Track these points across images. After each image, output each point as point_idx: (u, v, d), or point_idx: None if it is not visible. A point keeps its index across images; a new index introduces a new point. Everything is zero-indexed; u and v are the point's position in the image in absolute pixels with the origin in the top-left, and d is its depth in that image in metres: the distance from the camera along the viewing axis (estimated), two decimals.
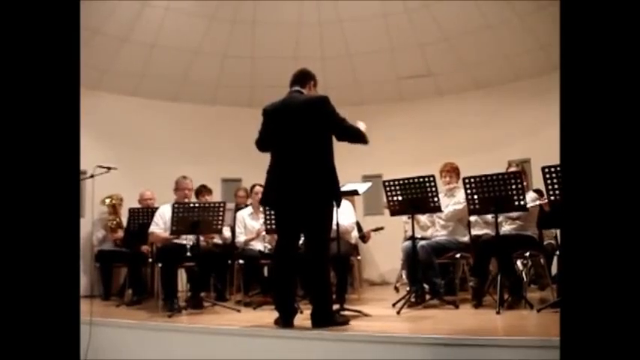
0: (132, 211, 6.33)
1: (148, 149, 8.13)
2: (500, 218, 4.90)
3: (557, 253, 4.76)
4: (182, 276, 5.76)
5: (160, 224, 5.42)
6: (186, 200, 5.47)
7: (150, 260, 6.12)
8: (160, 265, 5.25)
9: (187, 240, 5.44)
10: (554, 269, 5.58)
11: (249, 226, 6.08)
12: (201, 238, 5.36)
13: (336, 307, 4.24)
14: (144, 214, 6.17)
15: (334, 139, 4.03)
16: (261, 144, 4.19)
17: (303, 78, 4.22)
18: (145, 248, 6.26)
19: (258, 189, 5.92)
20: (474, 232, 5.58)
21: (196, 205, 5.25)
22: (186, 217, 5.04)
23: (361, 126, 4.13)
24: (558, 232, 6.10)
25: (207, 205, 5.29)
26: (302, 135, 3.92)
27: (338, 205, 4.15)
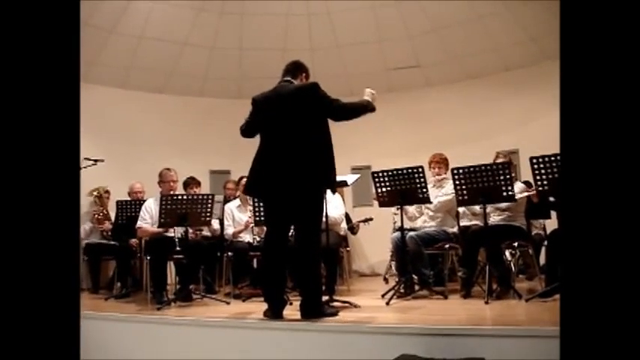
0: (120, 203, 6.29)
1: (136, 141, 8.09)
2: (489, 209, 4.92)
3: (545, 243, 4.78)
4: (171, 269, 5.74)
5: (147, 218, 5.39)
6: (172, 192, 5.43)
7: (138, 253, 6.09)
8: (148, 257, 5.23)
9: (176, 232, 5.42)
10: (542, 259, 5.62)
11: (238, 218, 6.06)
12: (190, 231, 5.33)
13: (325, 298, 4.25)
14: (132, 206, 6.14)
15: (330, 129, 3.99)
16: (247, 131, 4.16)
17: (295, 69, 4.20)
18: (133, 241, 6.23)
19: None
20: (463, 222, 5.60)
21: (184, 197, 5.23)
22: (174, 210, 5.02)
23: (367, 94, 4.09)
24: (546, 222, 6.15)
25: (195, 197, 5.26)
26: (293, 123, 3.89)
27: (333, 192, 4.16)
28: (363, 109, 4.03)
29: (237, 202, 6.25)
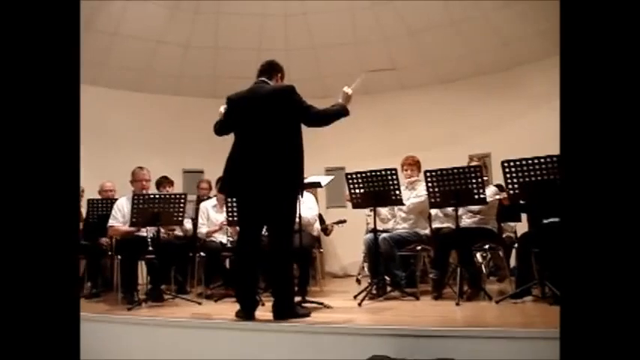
0: (90, 202, 6.21)
1: (109, 140, 7.99)
2: (461, 211, 4.97)
3: (516, 245, 4.85)
4: (142, 268, 5.68)
5: (119, 217, 5.32)
6: (145, 191, 5.38)
7: (109, 253, 6.02)
8: (119, 257, 5.17)
9: (148, 232, 5.36)
10: (512, 262, 5.69)
11: (213, 218, 6.02)
12: (162, 230, 5.29)
13: (297, 299, 4.25)
14: (103, 205, 6.06)
15: (304, 130, 3.99)
16: (220, 129, 4.14)
17: (271, 69, 4.18)
18: (104, 240, 6.15)
19: None
20: (435, 224, 5.64)
21: (157, 196, 5.18)
22: (147, 209, 4.96)
23: (343, 94, 4.10)
24: (517, 225, 6.23)
25: (168, 196, 5.22)
26: (268, 124, 3.88)
27: (300, 195, 4.14)
28: (336, 115, 4.04)
29: (213, 201, 6.21)
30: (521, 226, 5.87)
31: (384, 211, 5.59)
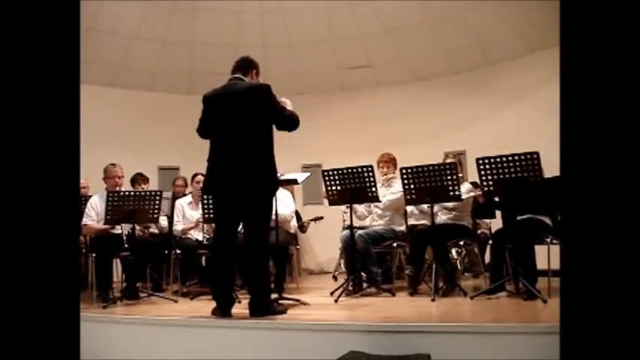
0: None
1: (83, 136, 7.68)
2: (436, 208, 5.01)
3: (490, 242, 4.91)
4: (117, 266, 5.62)
5: (92, 215, 5.27)
6: (118, 188, 5.33)
7: (84, 250, 5.96)
8: (94, 255, 5.11)
9: (123, 229, 5.31)
10: (487, 258, 5.75)
11: (188, 216, 5.99)
12: (137, 228, 5.24)
13: (274, 296, 4.25)
14: None
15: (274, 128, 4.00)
16: (203, 131, 4.11)
17: (246, 66, 4.16)
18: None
19: (200, 178, 5.81)
20: (411, 221, 5.68)
21: (132, 193, 5.13)
22: (121, 206, 4.91)
23: (287, 104, 4.04)
24: (492, 222, 6.31)
25: (143, 193, 5.17)
26: (242, 122, 3.87)
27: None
28: (297, 122, 3.99)
29: (188, 198, 6.18)
30: (496, 223, 5.95)
31: (360, 207, 5.62)
